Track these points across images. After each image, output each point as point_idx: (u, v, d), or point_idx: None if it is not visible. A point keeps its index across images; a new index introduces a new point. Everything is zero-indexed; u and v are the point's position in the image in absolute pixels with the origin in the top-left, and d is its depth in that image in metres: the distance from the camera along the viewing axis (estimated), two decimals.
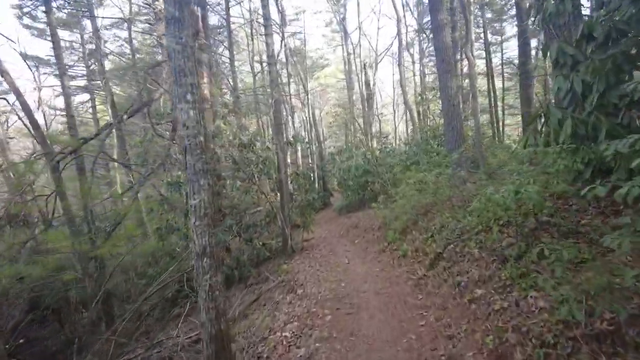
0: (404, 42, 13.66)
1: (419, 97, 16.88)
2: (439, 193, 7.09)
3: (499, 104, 20.82)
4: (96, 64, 16.48)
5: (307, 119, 21.77)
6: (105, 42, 17.16)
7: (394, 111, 29.98)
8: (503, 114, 21.66)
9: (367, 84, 16.99)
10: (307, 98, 21.06)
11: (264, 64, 22.40)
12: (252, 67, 18.93)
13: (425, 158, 11.25)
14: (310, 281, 6.19)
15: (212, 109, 10.07)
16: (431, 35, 14.75)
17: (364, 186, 16.45)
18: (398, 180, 11.36)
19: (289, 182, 10.29)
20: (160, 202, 9.69)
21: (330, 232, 12.22)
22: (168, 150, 9.00)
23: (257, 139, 9.21)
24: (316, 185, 21.27)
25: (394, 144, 23.31)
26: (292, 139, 9.60)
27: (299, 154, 20.08)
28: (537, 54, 18.29)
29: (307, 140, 23.17)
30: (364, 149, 17.47)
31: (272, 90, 8.97)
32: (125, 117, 7.44)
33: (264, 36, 8.87)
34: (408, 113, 30.99)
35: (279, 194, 9.34)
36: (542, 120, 4.45)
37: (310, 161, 22.18)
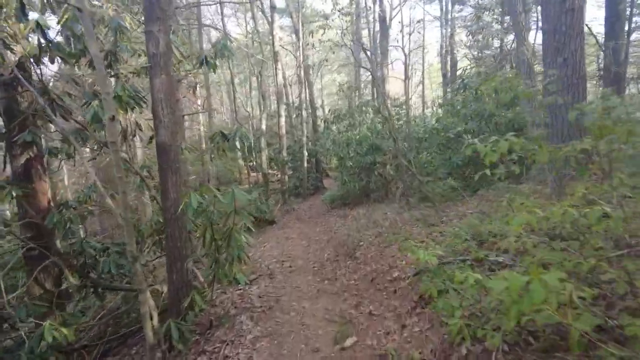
0: None
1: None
2: None
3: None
4: None
5: (298, 74, 15.39)
6: None
7: (408, 78, 23.34)
8: None
9: (382, 8, 10.52)
10: (300, 46, 14.64)
11: None
12: None
13: None
14: None
15: None
16: None
17: (368, 170, 10.44)
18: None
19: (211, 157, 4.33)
20: None
21: (303, 253, 6.33)
22: None
23: None
24: (305, 164, 15.23)
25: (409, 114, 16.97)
26: (210, 57, 3.41)
27: (283, 121, 13.94)
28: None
29: (296, 104, 16.88)
30: (371, 114, 11.29)
31: None
32: None
33: None
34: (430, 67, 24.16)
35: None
36: None
37: (300, 133, 16.06)
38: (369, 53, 10.92)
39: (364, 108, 11.57)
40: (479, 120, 7.70)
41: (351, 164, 10.06)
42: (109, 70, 3.83)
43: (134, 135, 4.19)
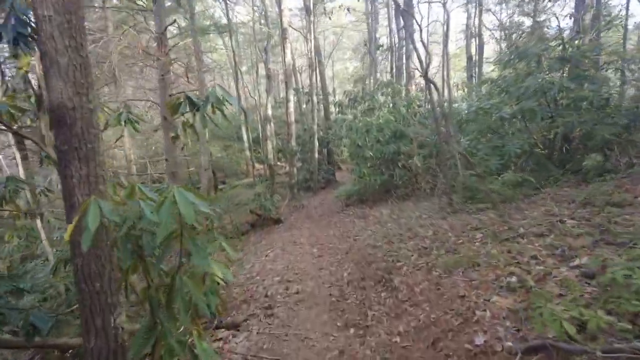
0: None
1: None
2: None
3: None
4: None
5: (308, 52, 13.66)
6: None
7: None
8: None
9: None
10: (311, 21, 12.90)
11: None
12: None
13: None
14: None
15: None
16: None
17: (391, 161, 8.77)
18: None
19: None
20: None
21: (314, 268, 4.74)
22: None
23: None
24: (316, 155, 13.64)
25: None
26: None
27: (292, 106, 12.31)
28: None
29: (306, 91, 15.17)
30: (391, 96, 9.57)
31: None
32: None
33: None
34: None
35: None
36: None
37: (311, 120, 14.38)
38: None
39: (384, 89, 9.84)
40: (537, 99, 5.91)
41: (371, 153, 8.40)
42: None
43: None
